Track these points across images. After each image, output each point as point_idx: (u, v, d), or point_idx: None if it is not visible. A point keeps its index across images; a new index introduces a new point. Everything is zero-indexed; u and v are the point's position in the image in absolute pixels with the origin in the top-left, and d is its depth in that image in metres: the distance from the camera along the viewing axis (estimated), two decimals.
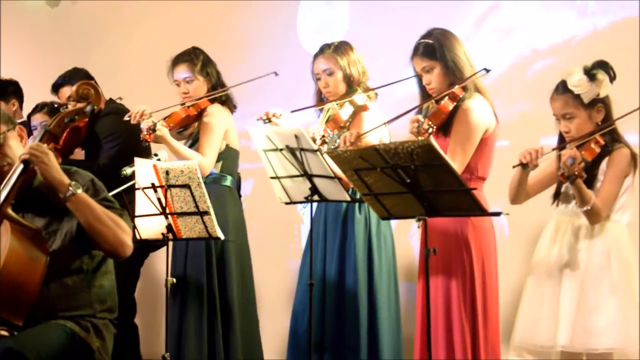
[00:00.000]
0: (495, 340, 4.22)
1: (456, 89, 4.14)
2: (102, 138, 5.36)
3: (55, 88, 5.54)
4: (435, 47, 4.20)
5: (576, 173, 3.74)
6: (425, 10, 5.43)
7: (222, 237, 4.46)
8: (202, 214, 4.35)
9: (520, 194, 4.08)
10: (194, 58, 5.09)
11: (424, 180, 3.59)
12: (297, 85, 5.58)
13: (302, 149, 4.15)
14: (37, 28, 7.12)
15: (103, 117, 5.44)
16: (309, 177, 4.23)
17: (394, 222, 5.26)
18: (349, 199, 4.28)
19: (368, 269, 4.57)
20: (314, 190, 4.25)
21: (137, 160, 4.44)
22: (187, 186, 4.31)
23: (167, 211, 4.36)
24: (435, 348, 4.09)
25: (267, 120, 4.55)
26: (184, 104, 5.06)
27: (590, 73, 3.96)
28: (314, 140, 4.32)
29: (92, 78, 5.56)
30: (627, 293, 3.90)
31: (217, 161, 4.98)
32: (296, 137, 4.12)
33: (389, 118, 4.49)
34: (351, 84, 4.71)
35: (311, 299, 4.33)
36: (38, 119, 5.78)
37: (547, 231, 4.09)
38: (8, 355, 3.31)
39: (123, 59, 6.65)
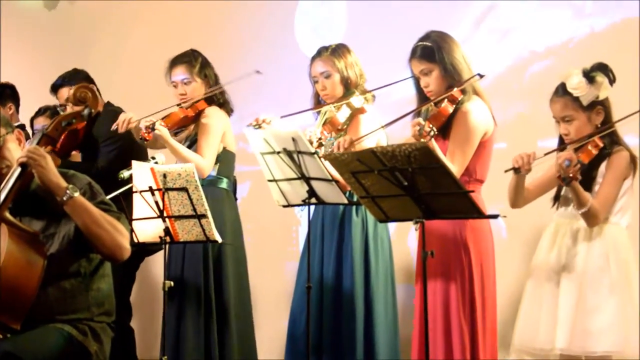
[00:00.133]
0: (493, 342, 4.22)
1: (455, 91, 4.14)
2: (101, 141, 5.37)
3: (55, 89, 5.55)
4: (433, 50, 4.20)
5: (571, 175, 3.74)
6: (423, 11, 5.44)
7: (219, 240, 4.46)
8: (200, 217, 4.34)
9: (518, 198, 4.08)
10: (192, 60, 5.09)
11: (421, 183, 3.59)
12: (294, 86, 5.58)
13: (299, 152, 4.14)
14: (35, 29, 7.12)
15: (101, 120, 5.43)
16: (307, 179, 4.23)
17: (393, 225, 5.27)
18: (346, 201, 4.28)
19: (365, 272, 4.57)
20: (312, 192, 4.25)
21: (134, 163, 4.44)
22: (184, 189, 4.31)
23: (165, 214, 4.36)
24: (434, 350, 4.09)
25: (257, 127, 4.55)
26: (180, 105, 5.07)
27: (589, 75, 3.96)
28: (311, 143, 4.33)
29: (92, 80, 5.57)
30: (626, 295, 3.90)
31: (215, 163, 4.99)
32: (293, 139, 4.12)
33: (386, 120, 4.50)
34: (348, 86, 4.71)
35: (309, 301, 4.32)
36: (41, 123, 5.79)
37: (546, 234, 4.09)
38: (6, 359, 3.31)
39: (121, 60, 6.65)
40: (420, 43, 4.25)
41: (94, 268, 3.63)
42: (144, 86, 5.52)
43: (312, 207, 4.44)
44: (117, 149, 5.16)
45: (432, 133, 4.00)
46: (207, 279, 4.89)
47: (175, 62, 5.12)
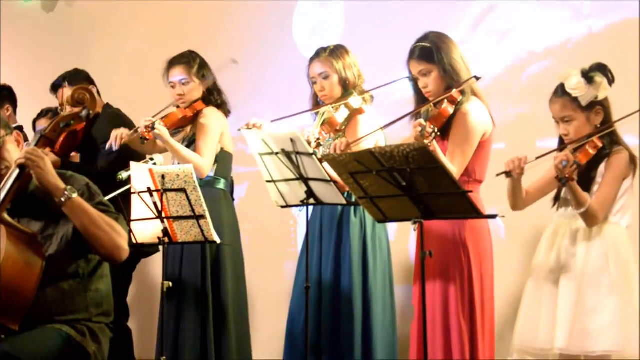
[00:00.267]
0: (491, 342, 4.22)
1: (454, 92, 4.14)
2: (100, 142, 5.37)
3: (55, 88, 5.54)
4: (432, 51, 4.20)
5: (567, 175, 3.75)
6: (421, 12, 5.44)
7: (218, 240, 4.46)
8: (198, 217, 4.35)
9: (517, 200, 4.08)
10: (190, 60, 5.10)
11: (419, 183, 3.59)
12: (293, 87, 5.58)
13: (297, 153, 4.15)
14: (34, 30, 7.12)
15: (100, 122, 5.44)
16: (305, 180, 4.23)
17: (394, 226, 5.27)
18: (345, 202, 4.28)
19: (363, 272, 4.58)
20: (310, 193, 4.25)
21: (133, 164, 4.44)
22: (183, 190, 4.31)
23: (163, 215, 4.36)
24: (433, 350, 4.09)
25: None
26: (178, 105, 5.08)
27: (588, 76, 3.96)
28: (309, 143, 4.33)
29: (92, 80, 5.57)
30: (626, 295, 3.90)
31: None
32: (292, 140, 4.12)
33: (384, 121, 4.50)
34: (347, 87, 4.72)
35: (307, 301, 4.33)
36: (43, 124, 5.78)
37: (546, 234, 4.09)
38: None
39: (120, 60, 6.65)
40: (419, 44, 4.25)
41: (92, 269, 3.63)
42: (144, 87, 5.53)
43: (311, 208, 4.44)
44: (117, 150, 5.14)
45: (434, 134, 3.99)
46: (205, 280, 4.89)
47: (173, 62, 5.13)
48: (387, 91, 4.99)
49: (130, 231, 4.32)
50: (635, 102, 4.54)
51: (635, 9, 4.95)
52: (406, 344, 4.45)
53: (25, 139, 4.13)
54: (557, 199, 4.10)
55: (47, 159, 3.49)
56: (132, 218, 4.41)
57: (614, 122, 3.97)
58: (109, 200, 3.78)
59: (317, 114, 4.76)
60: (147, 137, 4.84)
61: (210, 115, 5.04)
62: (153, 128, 4.80)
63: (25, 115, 6.18)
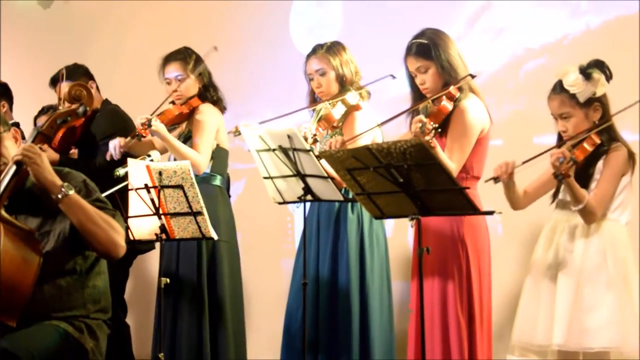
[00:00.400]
0: (488, 339, 4.22)
1: (452, 89, 4.14)
2: (99, 139, 5.37)
3: (54, 82, 5.53)
4: (429, 47, 4.20)
5: (563, 172, 3.75)
6: (418, 10, 5.43)
7: (215, 237, 4.46)
8: (196, 214, 4.35)
9: (515, 201, 4.10)
10: (186, 57, 5.10)
11: (417, 180, 3.59)
12: (291, 86, 5.58)
13: (294, 149, 4.14)
14: (32, 28, 7.11)
15: (99, 118, 5.44)
16: (302, 177, 4.23)
17: (391, 221, 5.27)
18: (342, 198, 4.28)
19: (360, 268, 4.58)
20: (307, 190, 4.25)
21: (130, 160, 4.44)
22: (180, 187, 4.31)
23: (161, 212, 4.36)
24: (431, 347, 4.09)
25: (237, 134, 4.53)
26: (173, 102, 5.08)
27: (585, 72, 3.97)
28: (306, 139, 4.33)
29: (91, 75, 5.56)
30: (624, 292, 3.90)
31: None
32: (289, 137, 4.12)
33: (381, 117, 4.50)
34: (344, 83, 4.72)
35: (305, 298, 4.33)
36: (43, 121, 5.77)
37: (544, 231, 4.10)
38: (2, 357, 3.31)
39: (118, 60, 6.65)
40: (416, 40, 4.25)
41: (89, 265, 3.63)
42: (143, 86, 5.52)
43: (308, 204, 4.44)
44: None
45: (434, 131, 3.98)
46: (201, 276, 4.90)
47: (168, 59, 5.13)
48: (383, 88, 5.00)
49: (127, 228, 4.31)
50: (633, 98, 4.54)
51: (632, 5, 4.95)
52: (403, 340, 4.45)
53: (23, 137, 4.13)
54: (555, 195, 4.11)
55: (44, 156, 3.49)
56: (130, 215, 4.41)
57: (611, 115, 3.97)
58: (106, 196, 3.78)
59: (314, 110, 4.76)
60: (144, 135, 4.83)
61: (206, 112, 5.04)
62: (150, 125, 4.80)
63: (24, 113, 6.17)
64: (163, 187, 4.33)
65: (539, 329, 3.97)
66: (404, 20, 5.36)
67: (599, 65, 3.98)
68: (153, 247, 5.36)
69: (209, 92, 5.12)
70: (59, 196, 3.43)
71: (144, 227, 4.44)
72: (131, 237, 4.41)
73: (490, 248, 4.26)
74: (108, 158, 4.90)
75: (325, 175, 4.15)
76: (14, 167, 3.49)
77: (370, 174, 3.64)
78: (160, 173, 4.32)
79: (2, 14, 6.97)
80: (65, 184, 3.45)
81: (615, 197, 3.96)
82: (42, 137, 3.67)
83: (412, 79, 4.31)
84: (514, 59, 5.31)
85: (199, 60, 5.08)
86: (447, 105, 4.12)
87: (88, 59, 5.80)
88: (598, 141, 3.94)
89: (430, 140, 3.93)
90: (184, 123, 5.14)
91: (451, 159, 4.10)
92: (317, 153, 4.21)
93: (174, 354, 4.87)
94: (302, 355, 4.34)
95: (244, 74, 6.09)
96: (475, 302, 4.14)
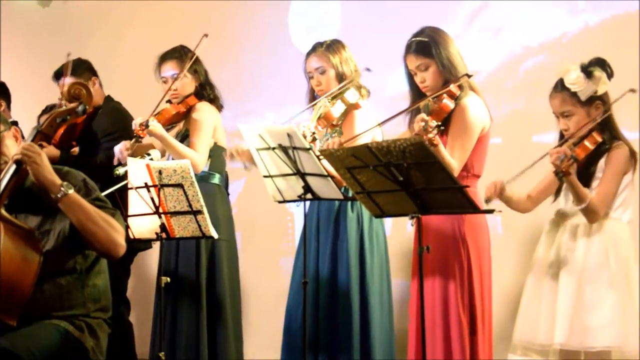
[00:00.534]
0: (490, 338, 4.22)
1: (453, 87, 4.13)
2: (101, 136, 5.36)
3: (58, 76, 5.52)
4: (430, 45, 4.20)
5: (564, 169, 3.75)
6: (417, 9, 5.43)
7: (215, 236, 4.46)
8: (196, 213, 4.35)
9: (517, 208, 4.14)
10: (182, 55, 5.09)
11: (416, 178, 3.59)
12: (289, 83, 5.58)
13: (294, 148, 4.14)
14: (29, 28, 7.10)
15: (101, 115, 5.43)
16: (302, 175, 4.23)
17: (390, 220, 5.27)
18: (342, 197, 4.28)
19: (360, 267, 4.57)
20: (307, 188, 4.25)
21: (130, 159, 4.44)
22: (180, 185, 4.31)
23: (161, 210, 4.36)
24: (432, 347, 4.09)
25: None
26: (170, 101, 5.07)
27: (587, 70, 3.97)
28: (304, 137, 4.32)
29: (94, 71, 5.55)
30: (626, 291, 3.90)
31: None
32: (289, 135, 4.12)
33: (380, 116, 4.50)
34: (343, 82, 4.71)
35: (305, 297, 4.33)
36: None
37: (546, 230, 4.10)
38: (2, 356, 3.31)
39: (116, 58, 6.64)
40: (416, 38, 4.24)
41: (89, 264, 3.63)
42: (142, 86, 5.51)
43: (307, 203, 4.44)
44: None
45: (437, 129, 3.98)
46: (199, 275, 4.90)
47: (165, 57, 5.12)
48: (382, 87, 5.00)
49: (127, 227, 4.31)
50: (632, 97, 4.54)
51: (632, 2, 4.96)
52: (403, 339, 4.45)
53: (22, 136, 4.13)
54: (557, 193, 4.11)
55: (44, 155, 3.49)
56: (129, 213, 4.41)
57: (610, 103, 3.97)
58: (106, 195, 3.78)
59: (313, 108, 4.75)
60: (142, 135, 4.82)
61: (203, 110, 5.04)
62: (147, 126, 4.79)
63: (24, 112, 6.16)
64: (163, 185, 4.32)
65: (541, 328, 3.96)
66: (403, 20, 5.36)
67: (600, 63, 3.98)
68: (150, 246, 5.35)
69: (205, 91, 5.11)
70: (59, 195, 3.43)
71: (144, 226, 4.43)
72: (131, 236, 4.41)
73: (491, 247, 4.26)
74: (115, 162, 4.89)
75: (325, 173, 4.15)
76: (13, 166, 3.49)
77: (370, 172, 3.64)
78: (160, 172, 4.32)
79: (2, 13, 6.96)
80: (65, 183, 3.45)
81: (617, 196, 3.96)
82: (42, 135, 3.67)
83: (411, 77, 4.30)
84: (513, 58, 5.32)
85: (194, 58, 5.05)
86: (449, 103, 4.12)
87: (87, 58, 5.79)
88: (599, 139, 3.94)
89: (434, 138, 3.92)
90: (181, 122, 5.13)
91: (453, 157, 4.09)
92: (316, 151, 4.21)
93: (173, 352, 4.87)
94: (303, 354, 4.34)
95: (244, 73, 6.09)
96: (477, 301, 4.14)
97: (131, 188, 4.38)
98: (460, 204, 3.66)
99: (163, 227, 4.38)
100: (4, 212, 3.48)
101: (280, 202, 4.45)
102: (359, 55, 4.83)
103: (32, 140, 3.61)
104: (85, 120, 5.20)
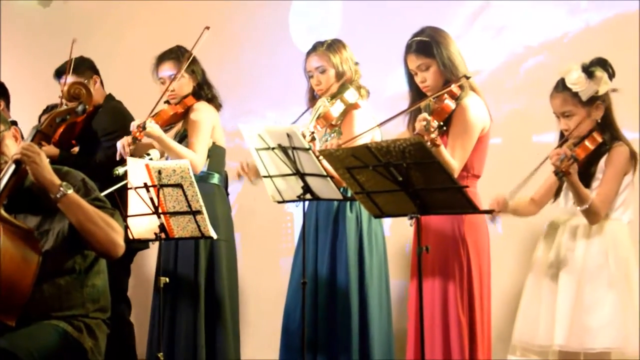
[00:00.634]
0: (489, 339, 4.22)
1: (454, 87, 4.13)
2: (100, 135, 5.36)
3: (59, 74, 5.51)
4: (430, 45, 4.19)
5: (563, 169, 3.75)
6: (417, 9, 5.43)
7: (215, 236, 4.46)
8: (195, 213, 4.34)
9: (523, 214, 4.16)
10: (179, 55, 5.08)
11: (416, 178, 3.58)
12: (289, 83, 5.58)
13: (294, 148, 4.14)
14: (30, 28, 7.11)
15: (101, 114, 5.43)
16: (302, 175, 4.22)
17: (389, 219, 5.26)
18: (341, 197, 4.27)
19: (359, 267, 4.57)
20: (307, 188, 4.25)
21: (129, 159, 4.43)
22: (179, 185, 4.31)
23: (160, 211, 4.36)
24: (431, 347, 4.08)
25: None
26: (168, 101, 5.07)
27: (588, 70, 3.96)
28: (303, 137, 4.32)
29: (96, 69, 5.54)
30: (625, 291, 3.90)
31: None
32: (288, 135, 4.11)
33: (380, 116, 4.49)
34: (343, 81, 4.71)
35: (304, 297, 4.32)
36: None
37: (546, 231, 4.10)
38: (1, 356, 3.31)
39: (116, 58, 6.64)
40: (416, 38, 4.24)
41: (88, 264, 3.63)
42: (141, 86, 5.51)
43: (307, 203, 4.43)
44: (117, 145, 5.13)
45: (439, 129, 3.97)
46: (198, 275, 4.90)
47: (162, 58, 5.12)
48: (382, 87, 4.99)
49: (126, 227, 4.31)
50: (632, 96, 4.54)
51: (633, 2, 4.95)
52: (402, 339, 4.45)
53: (22, 136, 4.13)
54: (557, 194, 4.11)
55: (43, 155, 3.49)
56: (129, 214, 4.41)
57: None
58: (106, 196, 3.78)
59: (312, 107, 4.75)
60: (139, 137, 4.81)
61: (202, 110, 5.03)
62: (144, 128, 4.78)
63: (24, 112, 6.17)
64: (162, 186, 4.32)
65: (540, 329, 3.96)
66: (403, 20, 5.35)
67: (602, 63, 3.97)
68: (148, 246, 5.34)
69: (203, 90, 5.10)
70: (58, 195, 3.43)
71: (143, 226, 4.43)
72: (130, 236, 4.41)
73: (490, 247, 4.26)
74: (118, 157, 4.88)
75: (325, 174, 4.15)
76: (13, 166, 3.49)
77: (370, 172, 3.64)
78: (159, 172, 4.32)
79: (2, 13, 6.96)
80: (64, 183, 3.45)
81: (617, 196, 3.95)
82: (42, 135, 3.67)
83: (411, 77, 4.30)
84: (514, 57, 5.31)
85: (191, 58, 5.03)
86: (450, 103, 4.11)
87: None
88: (600, 139, 3.93)
89: (436, 138, 3.91)
90: (179, 122, 5.12)
91: (453, 157, 4.08)
92: (315, 151, 4.21)
93: (172, 353, 4.87)
94: (301, 354, 4.34)
95: (244, 73, 6.09)
96: (476, 302, 4.13)
97: (130, 188, 4.38)
98: (459, 204, 3.66)
99: (162, 227, 4.38)
100: (3, 212, 3.48)
101: (279, 202, 4.45)
102: (359, 55, 4.82)
103: (32, 140, 3.61)
104: (86, 119, 5.19)
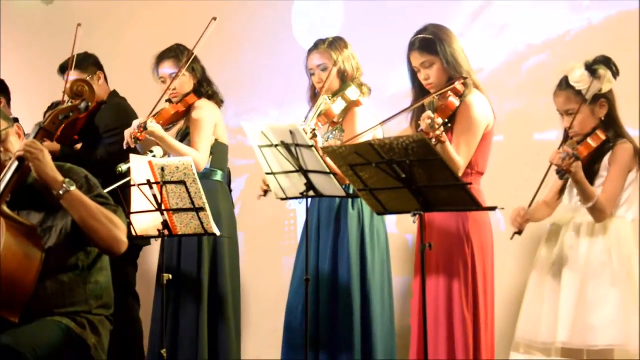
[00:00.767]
0: (492, 336, 4.22)
1: (458, 85, 4.13)
2: (103, 132, 5.35)
3: (63, 70, 5.51)
4: (434, 42, 4.20)
5: (565, 168, 3.75)
6: (419, 7, 5.42)
7: (218, 233, 4.46)
8: (198, 210, 4.34)
9: (541, 219, 4.16)
10: (179, 54, 5.08)
11: (419, 176, 3.58)
12: (292, 82, 5.57)
13: (297, 145, 4.14)
14: (30, 27, 7.11)
15: (104, 110, 5.42)
16: (305, 172, 4.23)
17: (393, 217, 5.26)
18: (344, 194, 4.27)
19: (361, 264, 4.56)
20: (310, 185, 4.25)
21: (132, 156, 4.43)
22: (182, 182, 4.30)
23: (163, 207, 4.36)
24: (435, 345, 4.08)
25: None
26: (169, 100, 5.06)
27: (591, 68, 3.96)
28: (305, 133, 4.32)
29: (101, 66, 5.54)
30: (628, 289, 3.90)
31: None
32: (291, 132, 4.11)
33: (382, 113, 4.49)
34: (345, 79, 4.70)
35: (307, 294, 4.32)
36: None
37: (549, 228, 4.10)
38: (4, 353, 3.32)
39: (116, 57, 6.63)
40: (420, 35, 4.24)
41: (92, 261, 3.63)
42: (142, 85, 5.51)
43: (310, 200, 4.43)
44: (118, 142, 5.13)
45: (444, 126, 3.97)
46: (201, 272, 4.90)
47: (162, 56, 5.11)
48: (384, 85, 4.99)
49: (129, 223, 4.31)
50: (634, 94, 4.54)
51: (631, 2, 4.95)
52: (405, 336, 4.45)
53: (24, 133, 4.13)
54: (561, 192, 4.11)
55: (46, 152, 3.50)
56: (132, 210, 4.41)
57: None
58: (109, 192, 3.78)
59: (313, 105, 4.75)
60: (140, 138, 4.80)
61: (204, 108, 5.03)
62: (145, 128, 4.78)
63: (24, 110, 6.17)
64: (165, 183, 4.32)
65: (543, 326, 3.96)
66: (405, 18, 5.35)
67: (605, 61, 3.97)
68: (149, 243, 5.34)
69: (203, 88, 5.10)
70: (61, 192, 3.43)
71: (146, 222, 4.43)
72: (133, 233, 4.41)
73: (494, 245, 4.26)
74: (125, 147, 4.87)
75: (328, 171, 4.15)
76: (16, 163, 3.50)
77: (373, 169, 3.64)
78: (162, 169, 4.32)
79: (2, 13, 6.96)
80: (67, 180, 3.45)
81: (621, 194, 3.95)
82: (44, 132, 3.68)
83: (414, 74, 4.30)
84: (516, 56, 5.30)
85: (191, 56, 5.02)
86: (454, 101, 4.12)
87: None
88: (603, 137, 3.94)
89: (441, 135, 3.91)
90: (181, 120, 5.12)
91: (458, 154, 4.09)
92: (317, 147, 4.21)
93: (174, 349, 4.87)
94: (304, 351, 4.34)
95: (245, 72, 6.08)
96: (480, 299, 4.13)
97: (134, 185, 4.38)
98: (462, 201, 3.65)
99: (165, 224, 4.38)
100: (6, 208, 3.49)
101: (282, 199, 4.45)
102: (361, 53, 4.82)
103: (35, 137, 3.62)
104: (89, 115, 5.18)
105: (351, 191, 4.38)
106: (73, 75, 5.25)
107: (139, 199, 4.38)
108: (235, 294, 5.03)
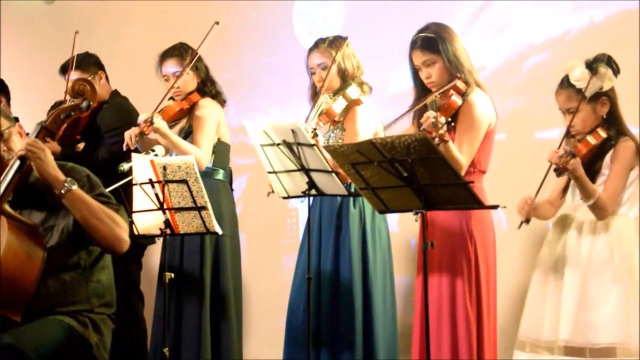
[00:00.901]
0: (494, 335, 4.22)
1: (459, 83, 4.13)
2: (104, 131, 5.35)
3: (64, 70, 5.51)
4: (436, 40, 4.20)
5: (561, 166, 3.76)
6: (420, 6, 5.42)
7: (220, 232, 4.46)
8: (200, 209, 4.34)
9: (545, 216, 4.14)
10: (182, 52, 5.09)
11: (421, 174, 3.59)
12: (293, 81, 5.57)
13: (299, 144, 4.14)
14: (31, 26, 7.10)
15: (106, 110, 5.42)
16: (307, 171, 4.23)
17: (395, 215, 5.26)
18: (346, 192, 4.28)
19: (363, 263, 4.56)
20: (312, 184, 4.25)
21: (134, 155, 4.43)
22: (184, 181, 4.30)
23: (165, 206, 4.36)
24: (438, 345, 4.08)
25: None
26: (173, 98, 5.07)
27: (592, 67, 3.96)
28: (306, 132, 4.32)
29: (102, 65, 5.53)
30: (630, 287, 3.90)
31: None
32: (293, 131, 4.12)
33: (384, 112, 4.50)
34: (346, 78, 4.70)
35: (309, 292, 4.32)
36: None
37: (552, 227, 4.10)
38: (6, 351, 3.32)
39: (117, 56, 6.63)
40: (421, 34, 4.24)
41: (93, 260, 3.63)
42: (143, 84, 5.51)
43: (311, 199, 4.44)
44: (120, 142, 5.13)
45: (447, 125, 3.97)
46: (204, 271, 4.90)
47: (165, 55, 5.12)
48: (385, 84, 4.99)
49: (131, 222, 4.31)
50: (635, 93, 4.55)
51: (633, 2, 4.95)
52: (407, 336, 4.44)
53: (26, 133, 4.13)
54: (564, 190, 4.11)
55: (48, 151, 3.50)
56: (134, 209, 4.41)
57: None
58: (110, 191, 3.78)
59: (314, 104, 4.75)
60: (147, 132, 4.82)
61: (207, 107, 5.03)
62: (152, 122, 4.79)
63: (25, 109, 6.17)
64: (167, 181, 4.32)
65: (546, 324, 3.97)
66: (405, 18, 5.35)
67: (606, 59, 3.97)
68: (154, 241, 5.34)
69: (207, 87, 5.10)
70: (62, 191, 3.44)
71: (148, 221, 4.43)
72: (135, 232, 4.40)
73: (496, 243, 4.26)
74: (125, 148, 4.88)
75: (330, 169, 4.15)
76: (17, 162, 3.50)
77: (375, 168, 3.64)
78: (164, 168, 4.32)
79: (3, 12, 6.96)
80: (69, 179, 3.46)
81: (623, 192, 3.95)
82: (46, 131, 3.68)
83: (415, 73, 4.30)
84: (517, 55, 5.31)
85: (195, 55, 5.03)
86: (457, 99, 4.12)
87: None
88: (604, 135, 3.94)
89: (444, 134, 3.91)
90: (184, 119, 5.13)
91: (461, 153, 4.09)
92: (319, 146, 4.21)
93: (177, 348, 4.87)
94: (306, 350, 4.34)
95: (247, 70, 6.08)
96: (483, 298, 4.13)
97: (135, 184, 4.38)
98: (464, 199, 3.66)
99: (167, 223, 4.38)
100: (8, 207, 3.49)
101: (284, 198, 4.45)
102: (362, 52, 4.82)
103: (36, 136, 3.62)
104: (90, 114, 5.18)
105: (353, 190, 4.38)
106: (74, 75, 5.25)
107: (141, 198, 4.38)
108: (237, 292, 5.04)
